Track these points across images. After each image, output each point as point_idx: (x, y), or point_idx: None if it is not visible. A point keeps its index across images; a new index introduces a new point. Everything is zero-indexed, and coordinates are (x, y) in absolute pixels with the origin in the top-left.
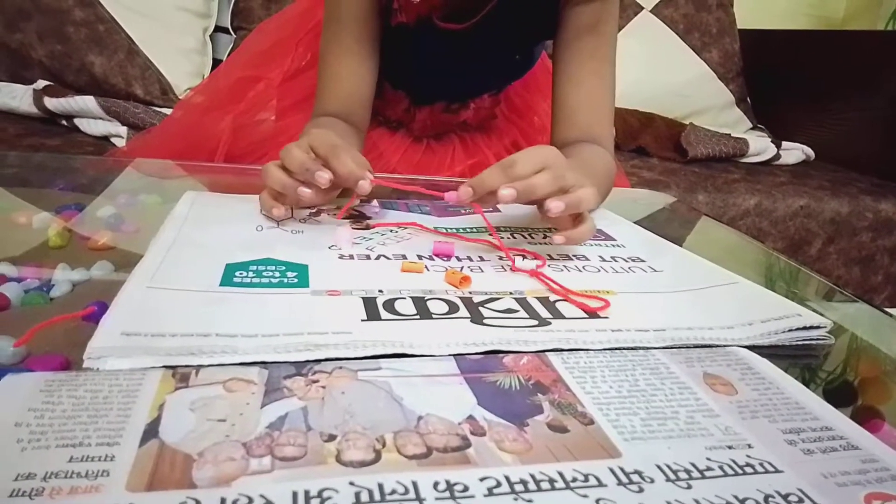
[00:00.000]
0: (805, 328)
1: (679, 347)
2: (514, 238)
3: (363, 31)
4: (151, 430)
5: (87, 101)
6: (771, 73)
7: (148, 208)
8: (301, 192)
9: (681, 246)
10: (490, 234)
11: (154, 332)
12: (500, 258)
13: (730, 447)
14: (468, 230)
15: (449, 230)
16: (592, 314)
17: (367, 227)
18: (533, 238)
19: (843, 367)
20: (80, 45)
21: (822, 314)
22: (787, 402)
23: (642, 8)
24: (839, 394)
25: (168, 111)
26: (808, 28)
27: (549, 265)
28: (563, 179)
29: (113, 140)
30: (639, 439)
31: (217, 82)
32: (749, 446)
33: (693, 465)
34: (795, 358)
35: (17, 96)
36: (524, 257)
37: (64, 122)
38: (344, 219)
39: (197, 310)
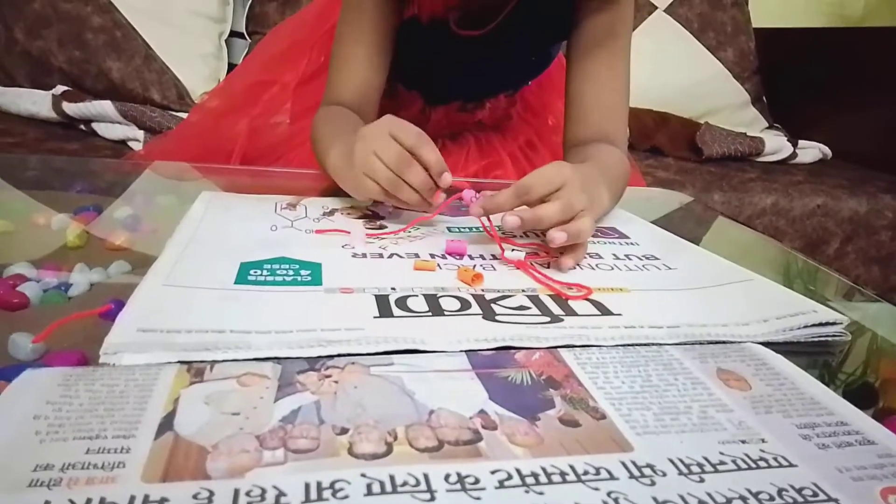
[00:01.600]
0: (821, 324)
1: (693, 344)
2: (528, 236)
3: (379, 21)
4: (166, 423)
5: (105, 106)
6: (787, 72)
7: (165, 209)
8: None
9: (697, 245)
10: (496, 232)
11: (169, 329)
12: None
13: (743, 441)
14: (481, 230)
15: (462, 230)
16: (605, 311)
17: (381, 227)
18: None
19: (864, 367)
20: (98, 50)
21: (841, 313)
22: (801, 397)
23: (656, 7)
24: (859, 395)
25: (184, 115)
26: (827, 25)
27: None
28: (570, 209)
29: (130, 144)
30: (651, 433)
31: (232, 86)
32: (763, 441)
33: (706, 458)
34: (812, 355)
35: (37, 102)
36: (535, 252)
37: (82, 127)
38: (357, 218)
39: (212, 307)
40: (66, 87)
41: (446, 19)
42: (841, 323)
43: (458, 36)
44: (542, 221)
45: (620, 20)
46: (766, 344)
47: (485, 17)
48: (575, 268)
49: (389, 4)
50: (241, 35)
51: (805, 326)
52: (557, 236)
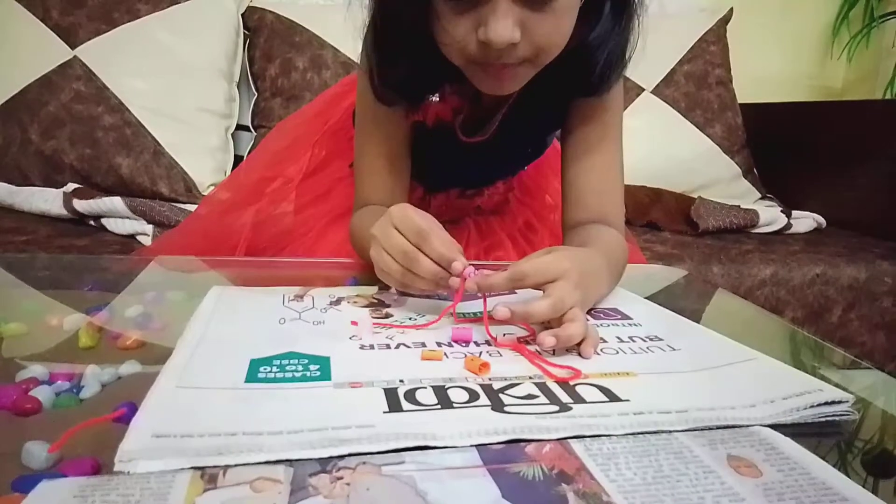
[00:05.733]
0: (827, 403)
1: (702, 429)
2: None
3: (395, 130)
4: None
5: (115, 202)
6: (776, 144)
7: (174, 305)
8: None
9: (698, 321)
10: (487, 318)
11: (183, 433)
12: (518, 340)
13: None
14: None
15: (467, 314)
16: (613, 397)
17: (387, 316)
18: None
19: (881, 437)
20: (108, 148)
21: (844, 388)
22: (812, 482)
23: (643, 89)
24: (881, 466)
25: (192, 207)
26: (810, 99)
27: (567, 349)
28: (562, 306)
29: (139, 238)
30: None
31: (238, 180)
32: None
33: None
34: (820, 436)
35: (48, 199)
36: (527, 343)
37: (92, 222)
38: (363, 307)
39: (224, 408)
40: (76, 185)
41: (450, 123)
42: (847, 401)
43: (460, 139)
44: (532, 317)
45: (611, 105)
46: (774, 426)
47: (484, 118)
48: (593, 355)
49: (400, 113)
50: (246, 128)
51: (811, 406)
52: (547, 341)
